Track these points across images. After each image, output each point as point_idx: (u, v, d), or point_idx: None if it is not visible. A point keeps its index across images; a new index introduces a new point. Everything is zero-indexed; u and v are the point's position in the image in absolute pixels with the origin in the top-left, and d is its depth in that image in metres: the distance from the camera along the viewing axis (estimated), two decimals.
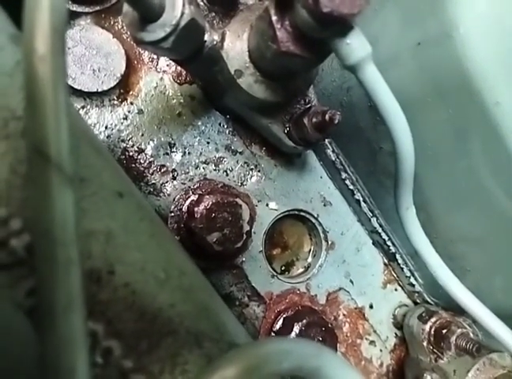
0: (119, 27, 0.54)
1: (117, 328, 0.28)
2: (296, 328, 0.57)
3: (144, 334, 0.29)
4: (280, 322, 0.59)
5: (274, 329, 0.59)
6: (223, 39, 0.44)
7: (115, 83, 0.52)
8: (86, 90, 0.51)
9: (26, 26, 0.24)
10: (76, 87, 0.51)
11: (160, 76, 0.56)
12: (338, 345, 0.61)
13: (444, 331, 0.60)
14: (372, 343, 0.69)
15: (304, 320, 0.57)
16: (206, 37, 0.43)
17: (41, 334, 0.23)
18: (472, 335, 0.60)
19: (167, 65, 0.56)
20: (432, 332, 0.62)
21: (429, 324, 0.62)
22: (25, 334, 0.26)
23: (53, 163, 0.23)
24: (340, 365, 0.28)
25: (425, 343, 0.62)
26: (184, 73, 0.56)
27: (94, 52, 0.52)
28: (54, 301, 0.23)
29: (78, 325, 0.23)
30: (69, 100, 0.26)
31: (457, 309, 0.60)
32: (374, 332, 0.69)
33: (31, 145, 0.23)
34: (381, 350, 0.69)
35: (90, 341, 0.27)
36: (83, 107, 0.52)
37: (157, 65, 0.56)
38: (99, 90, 0.52)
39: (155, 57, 0.55)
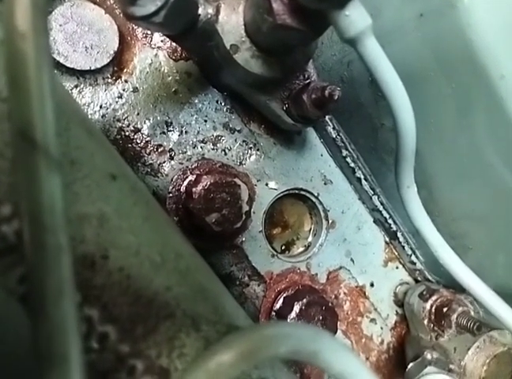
0: (111, 2, 0.52)
1: (112, 313, 0.28)
2: (297, 308, 0.57)
3: (141, 318, 0.29)
4: (280, 301, 0.59)
5: (274, 308, 0.59)
6: (217, 12, 0.42)
7: (109, 60, 0.51)
8: (79, 68, 0.50)
9: (6, 2, 0.23)
10: (68, 65, 0.49)
11: (154, 53, 0.54)
12: (339, 323, 0.62)
13: (445, 309, 0.60)
14: (373, 320, 0.69)
15: (304, 300, 0.57)
16: (200, 11, 0.42)
17: (33, 321, 0.23)
18: (472, 313, 0.59)
19: (162, 41, 0.54)
20: (433, 310, 0.61)
21: (430, 302, 0.62)
22: (18, 321, 0.25)
23: (39, 148, 0.22)
24: (339, 349, 0.28)
25: (426, 321, 0.62)
26: (179, 49, 0.54)
27: (86, 29, 0.50)
28: (44, 288, 0.22)
29: (70, 312, 0.23)
30: (54, 80, 0.24)
31: (459, 287, 0.60)
32: (375, 309, 0.69)
33: (15, 129, 0.22)
34: (381, 328, 0.70)
35: (85, 326, 0.27)
36: (76, 86, 0.51)
37: (151, 41, 0.54)
38: (92, 68, 0.50)
39: (149, 33, 0.54)
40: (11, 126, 0.22)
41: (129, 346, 0.28)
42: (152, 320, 0.29)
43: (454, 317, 0.59)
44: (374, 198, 0.66)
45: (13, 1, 0.22)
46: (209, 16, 0.42)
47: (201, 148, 0.56)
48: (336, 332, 0.60)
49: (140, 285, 0.29)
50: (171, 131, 0.55)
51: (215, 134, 0.57)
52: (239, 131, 0.58)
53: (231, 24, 0.43)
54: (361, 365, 0.30)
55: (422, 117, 0.43)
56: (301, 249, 0.67)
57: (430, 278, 0.70)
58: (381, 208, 0.66)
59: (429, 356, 0.58)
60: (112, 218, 0.30)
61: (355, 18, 0.33)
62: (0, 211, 0.25)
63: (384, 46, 0.37)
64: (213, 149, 0.57)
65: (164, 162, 0.54)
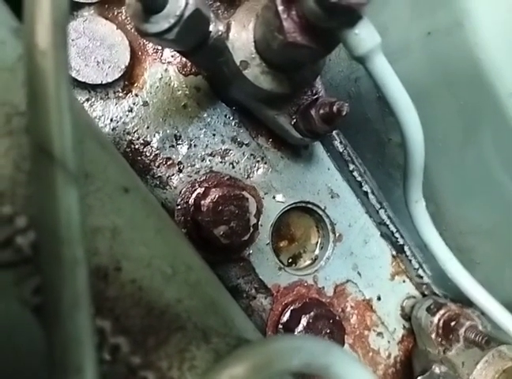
0: (123, 17, 0.53)
1: (124, 325, 0.28)
2: (304, 321, 0.56)
3: (152, 330, 0.29)
4: (287, 314, 0.59)
5: (281, 321, 0.58)
6: (228, 29, 0.43)
7: (120, 75, 0.52)
8: (90, 82, 0.50)
9: (26, 19, 0.23)
10: (80, 79, 0.50)
11: (164, 68, 0.55)
12: (346, 337, 0.61)
13: (453, 323, 0.60)
14: (380, 334, 0.69)
15: (312, 313, 0.57)
16: (211, 27, 0.42)
17: (48, 333, 0.23)
18: (480, 327, 0.59)
19: (172, 56, 0.55)
20: (441, 325, 0.61)
21: (437, 316, 0.62)
22: (32, 332, 0.26)
23: (57, 161, 0.23)
24: (350, 363, 0.28)
25: (433, 335, 0.61)
26: (189, 64, 0.55)
27: (98, 43, 0.51)
28: (60, 300, 0.23)
29: (85, 324, 0.23)
30: (72, 95, 0.25)
31: (466, 301, 0.60)
32: (382, 323, 0.69)
33: (34, 143, 0.23)
34: (388, 342, 0.69)
35: (98, 338, 0.27)
36: (87, 100, 0.52)
37: (162, 56, 0.55)
38: (104, 82, 0.51)
39: (159, 48, 0.55)
40: (29, 140, 0.23)
41: (140, 357, 0.28)
42: (164, 332, 0.30)
43: (462, 331, 0.58)
44: (381, 212, 0.66)
45: (33, 19, 0.23)
46: (220, 33, 0.42)
47: (210, 161, 0.57)
48: (343, 346, 0.60)
49: (152, 297, 0.30)
50: (180, 144, 0.55)
51: (223, 148, 0.57)
52: (246, 145, 0.59)
53: (242, 41, 0.43)
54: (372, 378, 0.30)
55: (429, 133, 0.43)
56: (308, 262, 0.67)
57: (437, 292, 0.70)
58: (388, 221, 0.66)
59: (437, 370, 0.57)
60: (125, 230, 0.30)
61: (365, 36, 0.34)
62: (15, 222, 0.25)
63: (392, 63, 0.37)
64: (221, 162, 0.57)
65: (173, 175, 0.55)
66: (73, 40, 0.50)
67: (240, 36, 0.43)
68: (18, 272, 0.26)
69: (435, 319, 0.62)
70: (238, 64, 0.44)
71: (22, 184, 0.25)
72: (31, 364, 0.26)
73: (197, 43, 0.42)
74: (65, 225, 0.23)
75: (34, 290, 0.26)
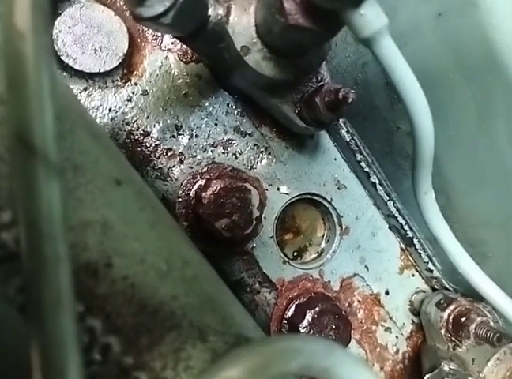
0: (121, 4, 0.51)
1: (116, 324, 0.27)
2: (309, 316, 0.55)
3: (145, 329, 0.28)
4: (292, 309, 0.57)
5: (286, 316, 0.57)
6: (228, 13, 0.41)
7: (118, 63, 0.50)
8: (88, 71, 0.49)
9: (4, 1, 0.22)
10: (77, 68, 0.49)
11: (164, 55, 0.53)
12: (352, 332, 0.60)
13: (463, 319, 0.58)
14: (388, 329, 0.67)
15: (317, 308, 0.56)
16: (210, 11, 0.41)
17: (30, 333, 0.22)
18: (492, 322, 0.57)
19: (172, 43, 0.53)
20: (451, 320, 0.59)
21: (447, 311, 0.60)
22: (17, 331, 0.25)
23: (37, 153, 0.21)
24: (353, 365, 0.26)
25: (443, 331, 0.60)
26: (190, 51, 0.53)
27: (95, 31, 0.49)
28: (41, 299, 0.21)
29: (68, 325, 0.22)
30: (55, 82, 0.24)
31: (477, 296, 0.58)
32: (390, 318, 0.67)
33: (13, 133, 0.21)
34: (397, 337, 0.68)
35: (87, 338, 0.26)
36: (85, 89, 0.50)
37: (162, 43, 0.53)
38: (102, 70, 0.50)
39: (159, 34, 0.53)
40: (9, 130, 0.22)
41: (133, 358, 0.27)
42: (157, 331, 0.28)
43: (473, 327, 0.57)
44: (390, 204, 0.64)
45: (12, 0, 0.22)
46: (220, 17, 0.41)
47: (212, 151, 0.55)
48: (349, 342, 0.59)
49: (145, 294, 0.28)
50: (181, 135, 0.54)
51: (225, 138, 0.56)
52: (250, 135, 0.57)
53: (242, 25, 0.42)
54: None
55: (440, 120, 0.41)
56: (314, 255, 0.65)
57: (447, 286, 0.68)
58: (396, 213, 0.64)
59: (446, 367, 0.55)
60: (116, 225, 0.29)
61: (371, 17, 0.32)
62: (0, 217, 0.24)
63: (400, 46, 0.35)
64: (224, 153, 0.56)
65: (174, 166, 0.54)
66: (69, 27, 0.49)
67: (241, 20, 0.41)
68: (3, 268, 0.24)
69: (445, 314, 0.60)
70: (238, 49, 0.42)
71: (5, 177, 0.24)
72: (16, 365, 0.25)
73: (195, 28, 0.40)
74: (46, 220, 0.21)
75: (19, 287, 0.24)
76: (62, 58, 0.48)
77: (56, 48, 0.47)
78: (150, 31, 0.53)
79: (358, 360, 0.28)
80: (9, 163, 0.24)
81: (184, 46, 0.53)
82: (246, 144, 0.57)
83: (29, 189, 0.21)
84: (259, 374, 0.25)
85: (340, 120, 0.61)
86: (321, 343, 0.27)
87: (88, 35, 0.49)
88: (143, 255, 0.29)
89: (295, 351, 0.26)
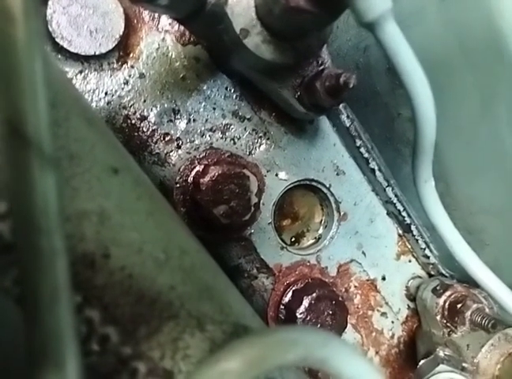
0: None
1: (114, 314, 0.27)
2: (306, 302, 0.55)
3: (143, 319, 0.28)
4: (289, 295, 0.58)
5: (283, 302, 0.57)
6: None
7: (114, 45, 0.49)
8: (83, 53, 0.48)
9: None
10: (72, 50, 0.47)
11: (161, 37, 0.52)
12: (349, 317, 0.60)
13: (459, 305, 0.58)
14: (384, 314, 0.68)
15: (314, 294, 0.56)
16: None
17: (26, 326, 0.22)
18: (487, 309, 0.57)
19: (170, 25, 0.52)
20: (446, 306, 0.60)
21: (443, 297, 0.60)
22: (15, 323, 0.24)
23: (31, 144, 0.21)
24: (349, 356, 0.26)
25: (438, 317, 0.60)
26: (188, 32, 0.52)
27: (90, 11, 0.48)
28: (38, 292, 0.21)
29: (65, 317, 0.21)
30: (49, 67, 0.23)
31: (473, 282, 0.58)
32: (386, 303, 0.68)
33: (6, 123, 0.21)
34: (392, 322, 0.68)
35: (85, 328, 0.26)
36: (80, 72, 0.49)
37: (159, 24, 0.52)
38: (97, 53, 0.48)
39: (156, 15, 0.51)
40: (1, 120, 0.21)
41: (131, 348, 0.27)
42: (155, 320, 0.28)
43: (468, 314, 0.57)
44: (388, 190, 0.64)
45: None
46: None
47: (210, 136, 0.54)
48: (346, 327, 0.59)
49: (142, 284, 0.28)
50: (178, 119, 0.53)
51: (224, 122, 0.55)
52: (248, 119, 0.56)
53: (242, 6, 0.40)
54: (372, 371, 0.29)
55: (442, 107, 0.40)
56: (311, 241, 0.65)
57: (444, 272, 0.68)
58: (395, 200, 0.64)
59: (441, 353, 0.56)
60: (113, 214, 0.28)
61: (374, 0, 0.31)
62: None
63: (403, 30, 0.34)
64: (222, 138, 0.55)
65: (171, 151, 0.53)
66: (64, 8, 0.47)
67: (240, 1, 0.40)
68: None
69: (441, 301, 0.60)
70: (238, 32, 0.41)
71: (1, 167, 0.24)
72: (13, 356, 0.24)
73: (193, 10, 0.39)
74: (41, 213, 0.21)
75: (16, 279, 0.24)
76: (56, 40, 0.46)
77: (50, 29, 0.46)
78: (147, 12, 0.51)
79: (354, 350, 0.28)
80: (2, 154, 0.24)
81: (182, 27, 0.52)
82: (245, 128, 0.56)
83: (24, 181, 0.21)
84: (256, 366, 0.25)
85: (341, 105, 0.60)
86: (318, 334, 0.27)
87: (84, 16, 0.47)
88: (141, 245, 0.29)
89: (292, 343, 0.26)
